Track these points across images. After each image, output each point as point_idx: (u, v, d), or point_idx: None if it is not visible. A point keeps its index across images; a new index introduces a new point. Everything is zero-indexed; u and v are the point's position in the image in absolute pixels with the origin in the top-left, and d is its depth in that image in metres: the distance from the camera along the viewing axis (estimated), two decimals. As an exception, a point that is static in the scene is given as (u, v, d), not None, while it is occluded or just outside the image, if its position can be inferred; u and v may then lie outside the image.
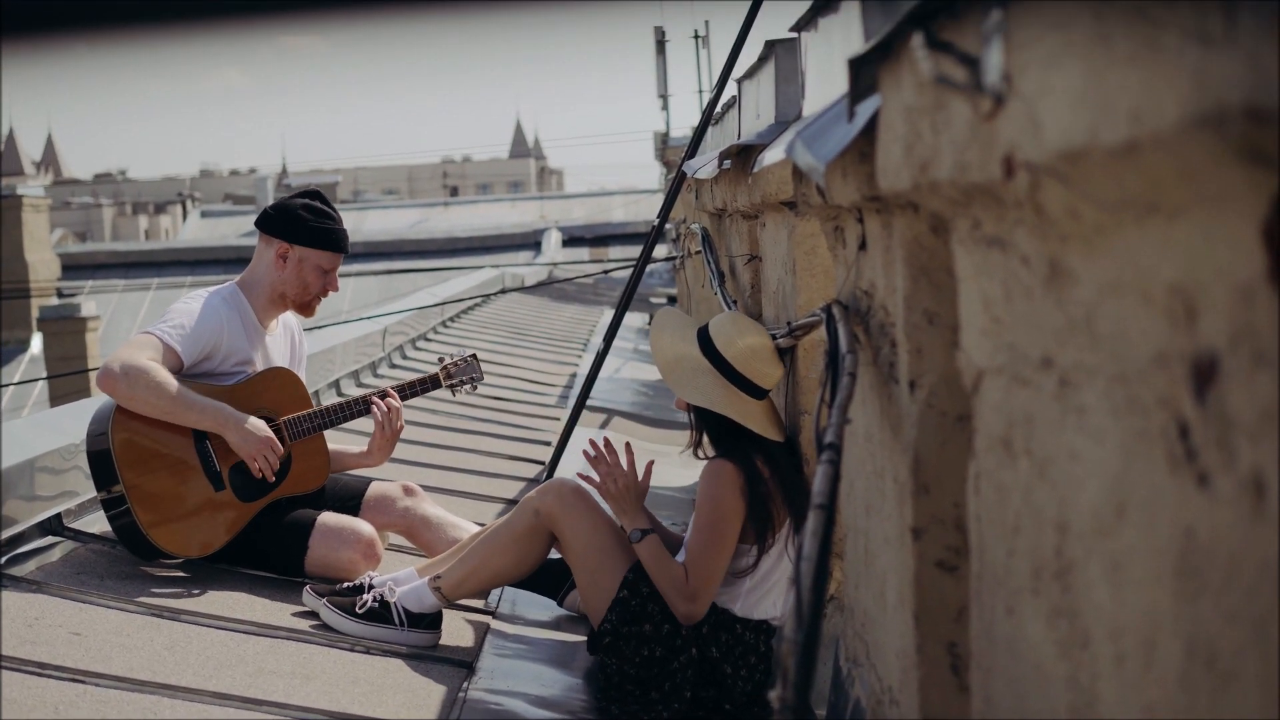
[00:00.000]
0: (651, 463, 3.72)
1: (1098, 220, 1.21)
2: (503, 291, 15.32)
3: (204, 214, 37.41)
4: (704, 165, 5.03)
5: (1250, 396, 0.98)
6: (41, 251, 24.26)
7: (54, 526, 4.07)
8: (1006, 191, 1.38)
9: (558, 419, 7.58)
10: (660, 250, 18.01)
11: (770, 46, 3.89)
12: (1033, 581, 1.51)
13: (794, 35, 3.42)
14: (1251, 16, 0.83)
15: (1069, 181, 1.20)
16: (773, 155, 3.42)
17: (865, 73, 1.82)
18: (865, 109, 1.90)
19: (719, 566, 3.47)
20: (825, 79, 2.71)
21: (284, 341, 4.36)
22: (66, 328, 20.86)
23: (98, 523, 4.18)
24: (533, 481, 5.95)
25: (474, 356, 4.58)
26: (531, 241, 25.68)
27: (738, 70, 5.28)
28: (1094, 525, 1.31)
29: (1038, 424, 1.47)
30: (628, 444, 3.72)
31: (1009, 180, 1.33)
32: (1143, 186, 1.07)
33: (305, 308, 4.29)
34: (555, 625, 4.13)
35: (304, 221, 4.20)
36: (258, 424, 4.03)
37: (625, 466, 3.65)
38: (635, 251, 6.60)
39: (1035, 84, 1.21)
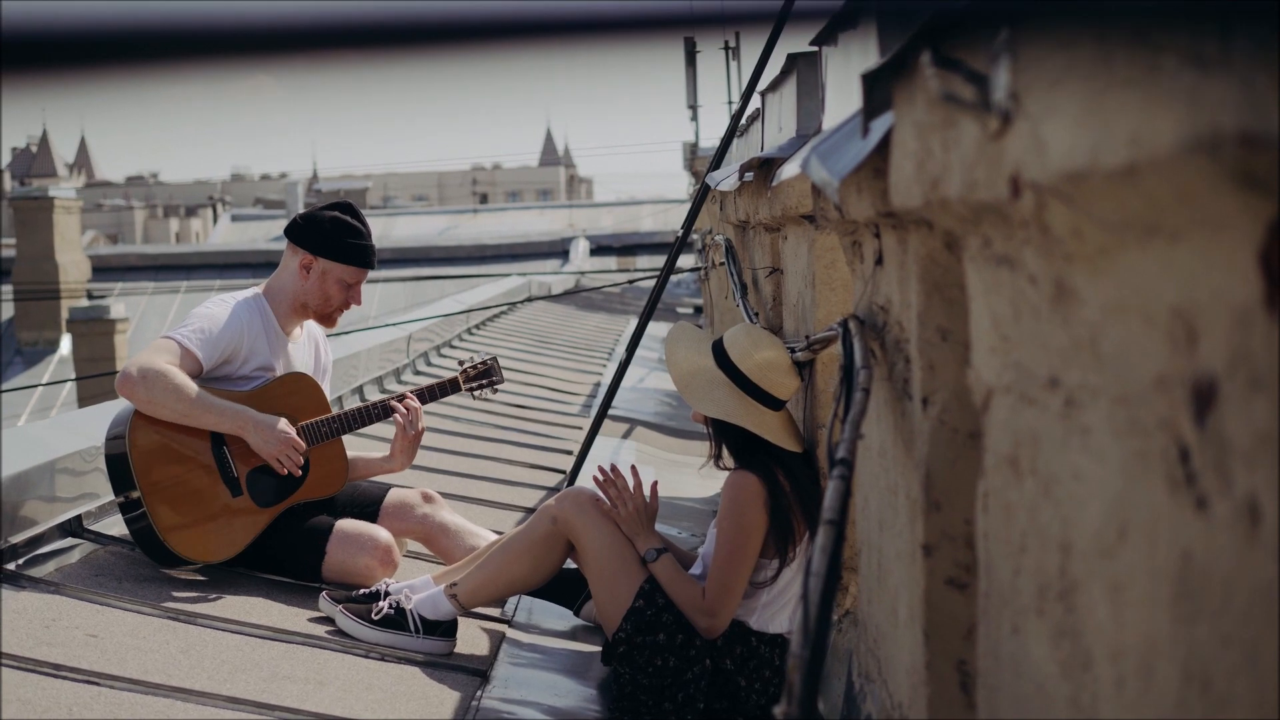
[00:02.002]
0: (656, 483, 3.72)
1: (1101, 241, 1.21)
2: (529, 299, 15.33)
3: (234, 218, 37.63)
4: (726, 178, 5.03)
5: (1247, 421, 0.97)
6: (72, 253, 24.46)
7: (74, 528, 4.09)
8: (1014, 210, 1.38)
9: (580, 428, 7.58)
10: (687, 260, 18.00)
11: (792, 60, 3.90)
12: (1037, 601, 1.50)
13: (815, 49, 3.42)
14: (1246, 40, 0.83)
15: (1073, 202, 1.19)
16: (792, 169, 3.42)
17: (879, 89, 1.82)
18: (879, 125, 1.89)
19: (741, 580, 3.47)
20: (844, 94, 2.71)
21: (307, 349, 4.37)
22: (96, 329, 21.02)
23: (117, 525, 4.20)
24: (553, 490, 5.95)
25: (494, 359, 4.58)
26: (559, 250, 25.73)
27: (763, 83, 5.28)
28: (1096, 546, 1.31)
29: (1043, 443, 1.47)
30: (633, 467, 3.73)
31: (1016, 199, 1.33)
32: (1143, 209, 1.06)
33: (326, 319, 4.30)
34: (571, 635, 4.13)
35: (330, 235, 4.20)
36: (275, 422, 4.04)
37: (633, 489, 3.66)
38: (663, 261, 6.60)
39: (1040, 104, 1.20)
